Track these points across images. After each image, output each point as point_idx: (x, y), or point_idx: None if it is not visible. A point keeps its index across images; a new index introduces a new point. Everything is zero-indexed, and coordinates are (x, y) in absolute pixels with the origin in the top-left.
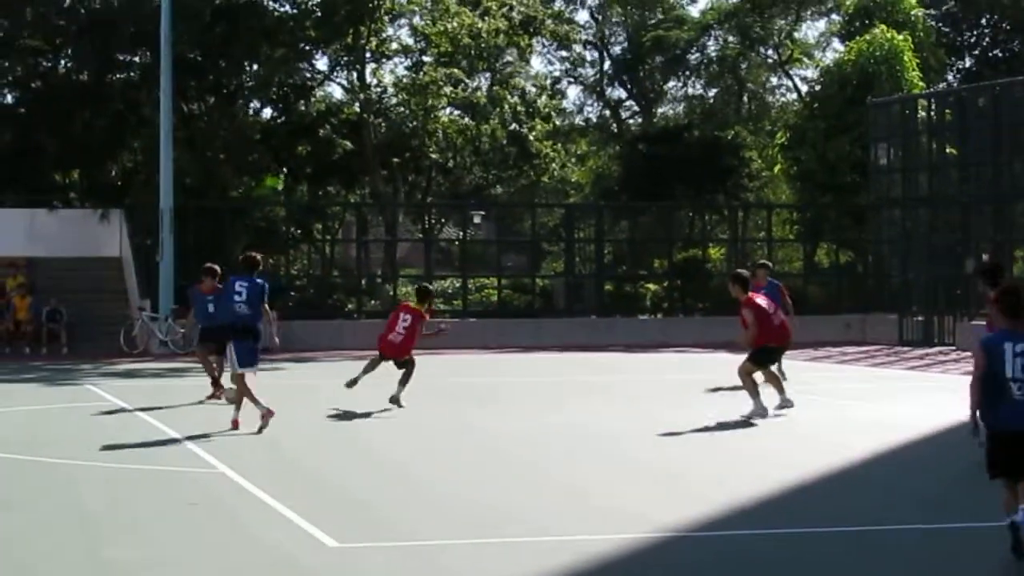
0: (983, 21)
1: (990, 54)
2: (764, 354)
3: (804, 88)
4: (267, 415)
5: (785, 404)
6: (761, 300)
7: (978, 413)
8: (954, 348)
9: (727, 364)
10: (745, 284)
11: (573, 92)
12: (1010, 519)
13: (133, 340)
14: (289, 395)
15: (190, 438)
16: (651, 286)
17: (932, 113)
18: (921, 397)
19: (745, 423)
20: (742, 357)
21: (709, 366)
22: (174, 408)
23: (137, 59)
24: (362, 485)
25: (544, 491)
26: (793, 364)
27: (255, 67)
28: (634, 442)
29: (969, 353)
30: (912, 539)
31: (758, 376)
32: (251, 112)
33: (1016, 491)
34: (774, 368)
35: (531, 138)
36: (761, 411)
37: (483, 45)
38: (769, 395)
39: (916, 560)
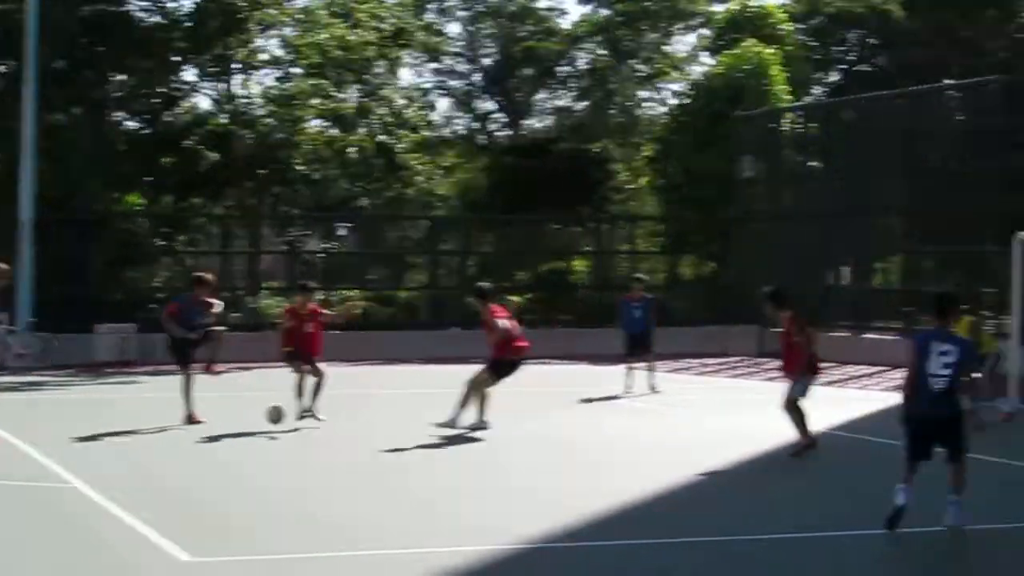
0: (850, 36)
1: (855, 69)
2: (502, 367)
3: (673, 101)
4: None
5: (481, 426)
6: (503, 318)
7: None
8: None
9: (591, 375)
10: (486, 297)
11: (443, 104)
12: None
13: None
14: (148, 408)
15: (45, 453)
16: (515, 298)
17: (797, 126)
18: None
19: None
20: (612, 368)
21: (571, 378)
22: (29, 422)
23: (2, 68)
24: (218, 499)
25: (401, 503)
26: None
27: (122, 78)
28: (489, 453)
29: (828, 364)
30: (761, 549)
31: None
32: (117, 123)
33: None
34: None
35: (398, 150)
36: (482, 424)
37: (352, 57)
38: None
39: (769, 568)
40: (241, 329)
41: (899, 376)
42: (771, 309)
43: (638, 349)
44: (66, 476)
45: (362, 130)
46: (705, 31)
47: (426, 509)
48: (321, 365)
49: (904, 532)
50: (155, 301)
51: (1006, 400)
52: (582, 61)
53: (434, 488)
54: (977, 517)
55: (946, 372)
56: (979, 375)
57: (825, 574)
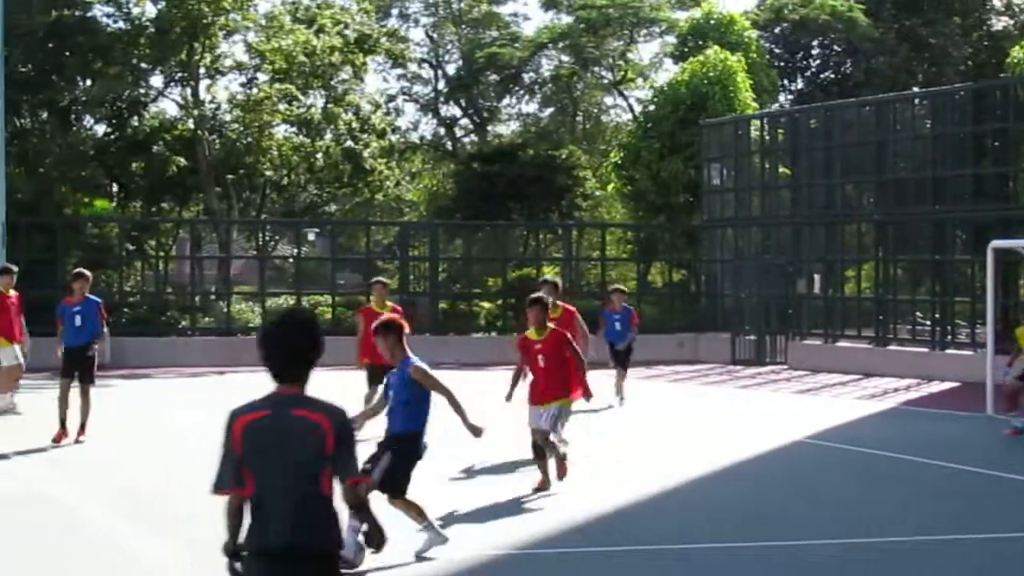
0: (815, 44)
1: (821, 76)
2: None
3: (638, 108)
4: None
5: None
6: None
7: None
8: (786, 366)
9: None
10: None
11: (409, 110)
12: None
13: None
14: (120, 412)
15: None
16: (485, 304)
17: (765, 133)
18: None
19: None
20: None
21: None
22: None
23: None
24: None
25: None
26: (626, 384)
27: (89, 83)
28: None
29: (801, 372)
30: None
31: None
32: (85, 128)
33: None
34: None
35: (365, 155)
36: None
37: (318, 63)
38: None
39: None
40: (213, 333)
41: (871, 385)
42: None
43: (615, 359)
44: (35, 481)
45: (329, 136)
46: (669, 38)
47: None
48: None
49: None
50: (127, 305)
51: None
52: (546, 68)
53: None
54: None
55: None
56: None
57: None
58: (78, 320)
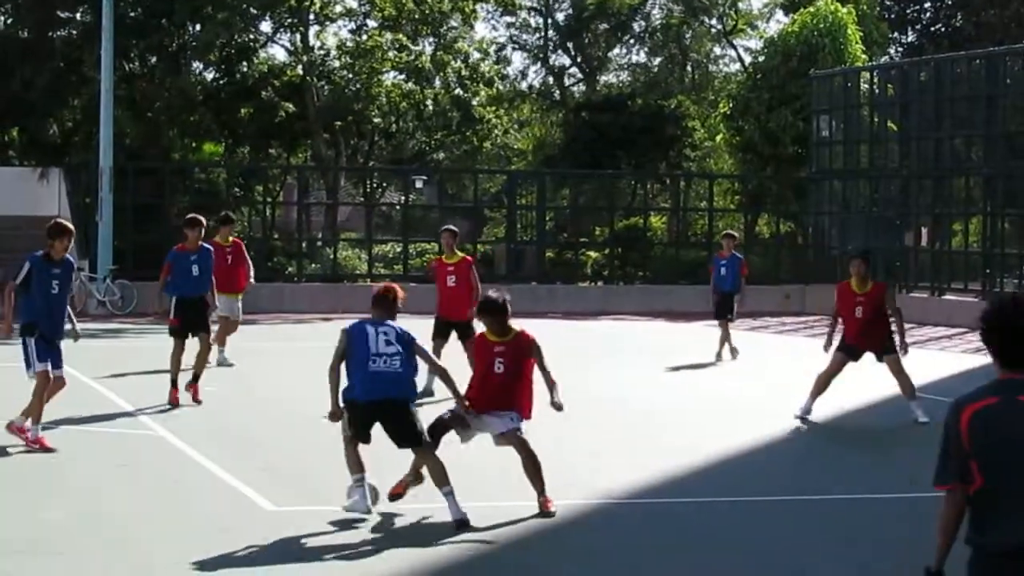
0: None
1: (932, 29)
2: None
3: (748, 59)
4: None
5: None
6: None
7: None
8: (893, 319)
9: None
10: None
11: (517, 58)
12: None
13: (71, 301)
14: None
15: (130, 403)
16: (592, 254)
17: (874, 86)
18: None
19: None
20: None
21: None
22: (113, 370)
23: (79, 17)
24: (298, 451)
25: (463, 456)
26: (733, 334)
27: (198, 28)
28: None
29: (908, 325)
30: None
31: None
32: (193, 73)
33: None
34: None
35: (474, 104)
36: None
37: (427, 10)
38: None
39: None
40: (317, 280)
41: (978, 339)
42: (862, 269)
43: (721, 310)
44: (152, 425)
45: (438, 83)
46: None
47: (500, 467)
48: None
49: None
50: None
51: None
52: (656, 17)
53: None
54: None
55: None
56: None
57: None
58: (195, 270)
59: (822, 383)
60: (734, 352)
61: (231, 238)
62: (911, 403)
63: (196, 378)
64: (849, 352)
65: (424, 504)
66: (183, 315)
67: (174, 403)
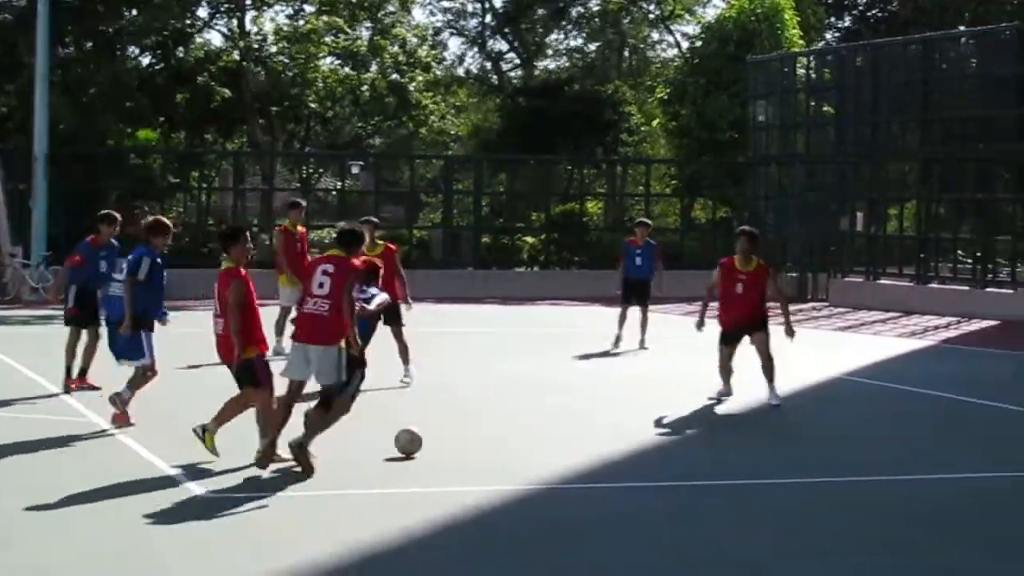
0: None
1: (869, 14)
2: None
3: (685, 44)
4: None
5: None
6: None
7: None
8: (827, 304)
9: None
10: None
11: (455, 43)
12: None
13: (4, 287)
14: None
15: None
16: (528, 239)
17: (811, 71)
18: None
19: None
20: (615, 309)
21: (579, 319)
22: (45, 356)
23: (14, 1)
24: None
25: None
26: (667, 319)
27: (134, 13)
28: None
29: (842, 309)
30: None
31: None
32: (130, 58)
33: None
34: None
35: (411, 89)
36: None
37: None
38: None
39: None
40: (253, 266)
41: (912, 322)
42: (747, 246)
43: (634, 298)
44: (83, 411)
45: (374, 68)
46: None
47: (434, 454)
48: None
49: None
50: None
51: None
52: (594, 2)
53: (442, 436)
54: None
55: None
56: None
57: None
58: (103, 265)
59: (725, 372)
60: (642, 344)
61: (299, 227)
62: (769, 385)
63: (84, 372)
64: (729, 340)
65: (356, 490)
66: (80, 305)
67: (70, 390)
